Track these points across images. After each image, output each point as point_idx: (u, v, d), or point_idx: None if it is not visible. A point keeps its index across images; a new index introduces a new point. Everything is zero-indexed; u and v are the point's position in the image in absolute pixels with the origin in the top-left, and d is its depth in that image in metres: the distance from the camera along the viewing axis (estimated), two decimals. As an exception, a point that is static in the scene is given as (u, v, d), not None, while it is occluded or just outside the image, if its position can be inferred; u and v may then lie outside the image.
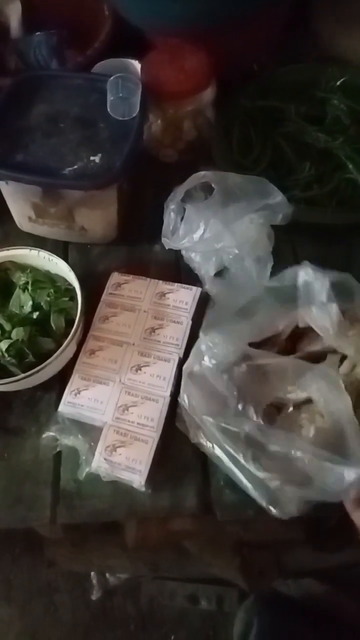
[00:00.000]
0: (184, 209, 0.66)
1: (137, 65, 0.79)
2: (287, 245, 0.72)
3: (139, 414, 0.59)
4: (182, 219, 0.66)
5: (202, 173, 0.65)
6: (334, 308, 0.55)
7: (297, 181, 0.72)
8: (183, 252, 0.69)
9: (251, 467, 0.50)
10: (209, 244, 0.64)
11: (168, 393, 0.60)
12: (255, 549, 0.93)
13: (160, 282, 0.68)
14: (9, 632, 1.18)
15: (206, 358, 0.55)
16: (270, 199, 0.63)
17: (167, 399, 0.59)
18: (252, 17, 0.75)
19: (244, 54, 0.80)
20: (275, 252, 0.67)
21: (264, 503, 0.51)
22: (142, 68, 0.75)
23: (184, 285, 0.67)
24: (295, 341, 0.60)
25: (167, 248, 0.68)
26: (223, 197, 0.64)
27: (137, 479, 0.55)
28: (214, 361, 0.55)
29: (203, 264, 0.67)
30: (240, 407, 0.53)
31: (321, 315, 0.55)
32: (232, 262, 0.66)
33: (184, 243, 0.66)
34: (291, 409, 0.56)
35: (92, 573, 1.21)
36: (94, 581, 1.21)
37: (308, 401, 0.56)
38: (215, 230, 0.63)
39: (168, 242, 0.67)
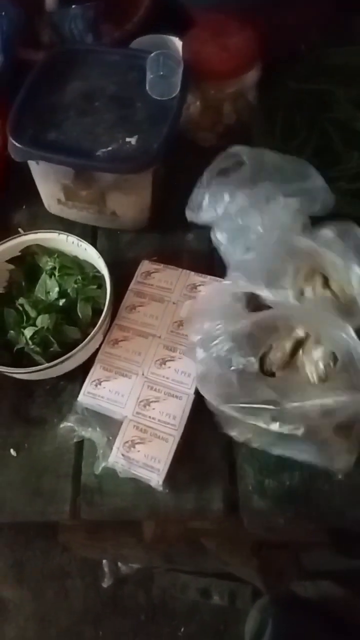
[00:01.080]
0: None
1: (177, 42, 0.75)
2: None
3: (161, 411, 0.56)
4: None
5: (235, 147, 0.61)
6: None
7: (344, 171, 0.67)
8: (212, 237, 0.66)
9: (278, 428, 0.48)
10: (233, 220, 0.61)
11: (192, 391, 0.57)
12: (275, 549, 0.91)
13: (192, 273, 0.64)
14: (19, 614, 1.19)
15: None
16: (309, 182, 0.59)
17: (191, 397, 0.56)
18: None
19: (292, 32, 0.75)
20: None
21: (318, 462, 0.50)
22: (183, 45, 0.71)
23: (216, 277, 0.64)
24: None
25: (188, 220, 0.64)
26: (254, 173, 0.60)
27: (155, 477, 0.53)
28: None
29: (228, 246, 0.64)
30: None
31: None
32: (256, 244, 0.62)
33: (207, 216, 0.62)
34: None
35: (104, 561, 1.20)
36: (106, 569, 1.20)
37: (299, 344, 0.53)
38: (241, 206, 0.60)
39: (191, 214, 0.63)
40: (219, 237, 0.63)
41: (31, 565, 1.23)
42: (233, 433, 0.56)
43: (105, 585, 1.20)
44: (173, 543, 0.88)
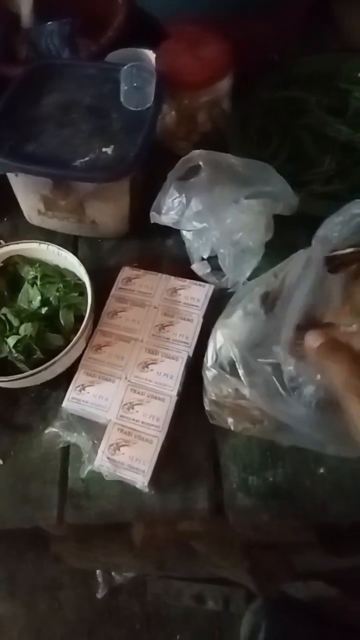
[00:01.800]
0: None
1: (151, 55, 0.76)
2: (306, 241, 0.69)
3: (144, 413, 0.57)
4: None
5: (194, 152, 0.63)
6: None
7: (317, 175, 0.69)
8: (182, 234, 0.67)
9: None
10: (190, 223, 0.62)
11: (175, 392, 0.58)
12: (265, 550, 0.91)
13: (172, 277, 0.66)
14: (13, 628, 1.18)
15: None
16: (271, 184, 0.61)
17: (174, 399, 0.57)
18: (273, 4, 0.73)
19: (264, 43, 0.77)
20: (292, 247, 0.65)
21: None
22: (156, 57, 0.73)
23: (196, 281, 0.65)
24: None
25: (151, 222, 0.65)
26: (211, 177, 0.62)
27: (140, 479, 0.53)
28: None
29: (192, 243, 0.66)
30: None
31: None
32: (217, 247, 0.64)
33: (168, 218, 0.63)
34: None
35: (98, 571, 1.19)
36: (100, 579, 1.20)
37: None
38: (195, 210, 0.61)
39: (154, 217, 0.65)
40: (185, 234, 0.65)
41: (23, 578, 1.23)
42: (228, 423, 0.56)
43: (99, 595, 1.20)
44: (163, 547, 0.89)
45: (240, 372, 0.48)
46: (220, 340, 0.53)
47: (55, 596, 1.21)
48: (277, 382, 0.46)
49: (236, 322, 0.53)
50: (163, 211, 0.63)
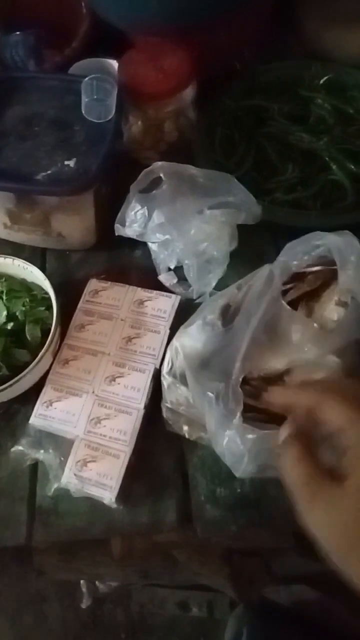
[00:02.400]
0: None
1: (115, 64, 0.76)
2: (272, 249, 0.70)
3: (112, 427, 0.57)
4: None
5: (155, 164, 0.63)
6: None
7: (281, 183, 0.70)
8: (149, 245, 0.67)
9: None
10: (154, 235, 0.63)
11: (142, 405, 0.57)
12: (245, 556, 0.91)
13: (139, 289, 0.66)
14: (-1, 642, 1.17)
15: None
16: (233, 194, 0.61)
17: (142, 412, 0.57)
18: (234, 13, 0.73)
19: (226, 51, 0.77)
20: (259, 255, 0.65)
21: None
22: (119, 68, 0.73)
23: (163, 292, 0.65)
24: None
25: (116, 234, 0.65)
26: (173, 189, 0.62)
27: (107, 495, 0.53)
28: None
29: (158, 254, 0.66)
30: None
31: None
32: (182, 258, 0.64)
33: (131, 230, 0.63)
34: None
35: (82, 581, 1.19)
36: (84, 589, 1.19)
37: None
38: (157, 222, 0.61)
39: (118, 229, 0.65)
40: (151, 245, 0.65)
41: (7, 592, 1.22)
42: (183, 430, 0.57)
43: (84, 606, 1.19)
44: (143, 557, 0.88)
45: (189, 386, 0.49)
46: (176, 349, 0.53)
47: (40, 608, 1.20)
48: (216, 408, 0.47)
49: (194, 332, 0.53)
50: (127, 224, 0.63)
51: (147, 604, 1.18)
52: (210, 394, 0.48)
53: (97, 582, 1.20)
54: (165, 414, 0.57)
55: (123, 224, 0.64)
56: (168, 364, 0.55)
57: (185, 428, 0.57)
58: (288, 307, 0.54)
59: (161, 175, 0.62)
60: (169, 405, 0.56)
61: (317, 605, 1.01)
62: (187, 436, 0.57)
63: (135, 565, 1.03)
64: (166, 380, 0.55)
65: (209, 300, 0.59)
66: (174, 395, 0.55)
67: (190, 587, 1.15)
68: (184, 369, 0.54)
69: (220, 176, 0.61)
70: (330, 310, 0.56)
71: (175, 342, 0.55)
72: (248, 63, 0.80)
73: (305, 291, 0.58)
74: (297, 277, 0.57)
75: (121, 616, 1.19)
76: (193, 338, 0.54)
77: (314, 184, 0.69)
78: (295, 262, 0.55)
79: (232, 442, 0.47)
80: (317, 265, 0.55)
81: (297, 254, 0.53)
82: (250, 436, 0.46)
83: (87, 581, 1.20)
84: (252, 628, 0.93)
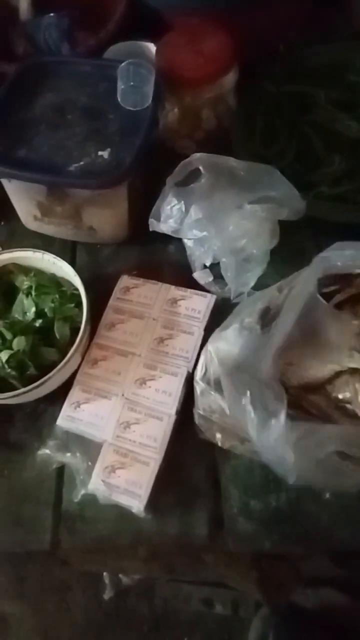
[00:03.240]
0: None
1: (152, 48, 0.73)
2: (312, 247, 0.66)
3: (142, 433, 0.54)
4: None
5: (195, 156, 0.59)
6: None
7: (326, 176, 0.65)
8: (184, 241, 0.64)
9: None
10: (190, 231, 0.60)
11: (174, 411, 0.55)
12: (274, 561, 0.89)
13: (173, 287, 0.63)
14: (21, 628, 1.17)
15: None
16: (276, 190, 0.57)
17: (173, 418, 0.55)
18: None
19: (270, 33, 0.73)
20: (301, 253, 0.61)
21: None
22: (157, 52, 0.69)
23: (197, 291, 0.62)
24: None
25: (150, 229, 0.62)
26: (212, 183, 0.59)
27: (136, 504, 0.51)
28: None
29: (194, 251, 0.63)
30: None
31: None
32: (218, 256, 0.61)
33: (166, 226, 0.61)
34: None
35: (105, 573, 1.18)
36: (107, 581, 1.19)
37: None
38: (194, 218, 0.58)
39: (152, 224, 0.62)
40: (186, 241, 0.62)
41: (31, 579, 1.22)
42: (216, 438, 0.54)
43: (106, 597, 1.19)
44: (169, 558, 0.87)
45: (225, 392, 0.46)
46: (210, 354, 0.50)
47: (63, 598, 1.20)
48: (255, 410, 0.44)
49: (230, 336, 0.50)
50: (162, 219, 0.60)
51: (171, 599, 1.17)
52: (247, 394, 0.45)
53: (120, 575, 1.20)
54: (197, 420, 0.54)
55: (158, 219, 0.60)
56: (202, 369, 0.52)
57: (218, 436, 0.54)
58: (326, 303, 0.50)
59: (200, 167, 0.58)
60: (201, 412, 0.53)
61: (345, 610, 0.98)
62: (219, 444, 0.54)
63: (162, 561, 1.02)
64: (199, 386, 0.52)
65: (247, 302, 0.55)
66: (207, 401, 0.52)
67: (215, 584, 1.14)
68: (218, 375, 0.51)
69: (262, 169, 0.57)
70: None
71: (209, 346, 0.52)
72: (292, 46, 0.75)
73: (352, 294, 0.54)
74: (345, 280, 0.53)
75: (144, 609, 1.18)
76: (229, 342, 0.51)
77: (362, 177, 0.64)
78: (339, 263, 0.51)
79: (277, 440, 0.43)
80: None
81: (345, 257, 0.49)
82: (296, 429, 0.43)
83: (110, 573, 1.19)
84: (279, 632, 0.91)
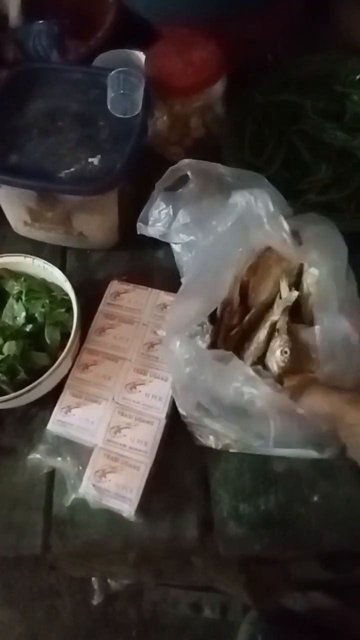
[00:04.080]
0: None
1: (141, 56, 0.74)
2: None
3: (132, 437, 0.55)
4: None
5: (182, 162, 0.60)
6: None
7: (313, 184, 0.66)
8: (172, 247, 0.65)
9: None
10: (178, 235, 0.60)
11: (164, 415, 0.55)
12: (263, 564, 0.90)
13: (162, 292, 0.63)
14: (10, 635, 1.17)
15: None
16: None
17: (163, 422, 0.55)
18: (266, 4, 0.70)
19: (258, 44, 0.74)
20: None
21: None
22: (146, 60, 0.70)
23: (187, 296, 0.62)
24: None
25: (138, 232, 0.62)
26: (200, 188, 0.59)
27: (127, 508, 0.51)
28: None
29: (181, 256, 0.63)
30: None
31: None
32: (206, 260, 0.61)
33: (154, 230, 0.61)
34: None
35: (94, 578, 1.18)
36: (95, 586, 1.19)
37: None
38: (184, 222, 0.59)
39: (141, 227, 0.62)
40: (174, 246, 0.63)
41: (20, 585, 1.21)
42: (210, 441, 0.55)
43: (95, 602, 1.18)
44: (159, 563, 0.87)
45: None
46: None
47: (51, 603, 1.20)
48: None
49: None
50: (150, 222, 0.60)
51: (160, 603, 1.17)
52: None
53: (108, 580, 1.19)
54: (189, 428, 0.54)
55: (146, 223, 0.61)
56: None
57: (212, 438, 0.54)
58: None
59: (188, 173, 0.59)
60: (185, 415, 0.54)
61: (334, 613, 0.99)
62: (213, 446, 0.54)
63: (150, 566, 1.02)
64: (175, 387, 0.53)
65: None
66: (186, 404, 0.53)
67: (204, 588, 1.14)
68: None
69: (250, 176, 0.57)
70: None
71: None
72: (280, 56, 0.76)
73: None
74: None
75: (133, 614, 1.18)
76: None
77: (349, 185, 0.65)
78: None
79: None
80: None
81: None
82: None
83: (99, 578, 1.19)
84: (268, 635, 0.92)
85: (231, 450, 0.55)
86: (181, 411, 0.54)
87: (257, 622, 0.97)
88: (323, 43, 0.79)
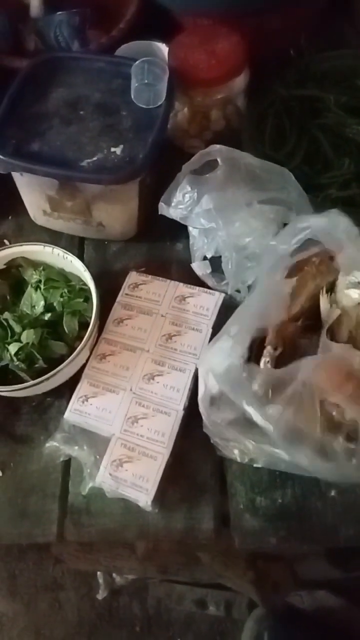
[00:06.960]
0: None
1: (164, 48, 0.73)
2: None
3: (149, 428, 0.55)
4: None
5: (214, 147, 0.59)
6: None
7: (335, 179, 0.66)
8: (189, 230, 0.65)
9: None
10: (198, 220, 0.60)
11: (182, 407, 0.55)
12: (271, 561, 0.89)
13: (181, 284, 0.63)
14: (14, 627, 1.17)
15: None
16: (287, 191, 0.58)
17: (181, 413, 0.55)
18: (290, -2, 0.69)
19: (281, 37, 0.73)
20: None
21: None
22: (169, 52, 0.69)
23: (206, 289, 0.62)
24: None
25: (159, 213, 0.62)
26: (227, 176, 0.59)
27: (143, 497, 0.51)
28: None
29: (197, 241, 0.63)
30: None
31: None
32: (222, 249, 0.61)
33: (176, 212, 0.61)
34: None
35: (99, 572, 1.18)
36: (100, 580, 1.19)
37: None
38: (206, 208, 0.59)
39: (162, 207, 0.62)
40: (191, 230, 0.63)
41: (24, 578, 1.22)
42: (234, 454, 0.53)
43: (100, 597, 1.18)
44: (166, 557, 0.87)
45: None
46: (203, 373, 0.50)
47: (56, 597, 1.20)
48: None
49: (218, 349, 0.50)
50: (172, 204, 0.60)
51: (164, 599, 1.17)
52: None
53: (113, 574, 1.19)
54: (212, 440, 0.53)
55: (168, 204, 0.61)
56: (202, 389, 0.51)
57: (236, 452, 0.53)
58: None
59: (218, 159, 0.58)
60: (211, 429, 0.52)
61: (340, 612, 0.99)
62: (239, 459, 0.52)
63: (156, 561, 1.02)
64: (202, 405, 0.51)
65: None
66: (214, 418, 0.51)
67: (209, 585, 1.14)
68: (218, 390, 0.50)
69: (277, 170, 0.57)
70: (346, 296, 0.53)
71: (200, 364, 0.53)
72: (303, 50, 0.76)
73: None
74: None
75: (137, 609, 1.18)
76: (217, 355, 0.50)
77: (371, 181, 0.65)
78: (284, 247, 0.52)
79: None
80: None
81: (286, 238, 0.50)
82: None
83: (104, 572, 1.19)
84: (273, 633, 0.91)
85: (255, 465, 0.53)
86: (206, 422, 0.52)
87: (263, 619, 0.97)
88: (345, 38, 0.78)
